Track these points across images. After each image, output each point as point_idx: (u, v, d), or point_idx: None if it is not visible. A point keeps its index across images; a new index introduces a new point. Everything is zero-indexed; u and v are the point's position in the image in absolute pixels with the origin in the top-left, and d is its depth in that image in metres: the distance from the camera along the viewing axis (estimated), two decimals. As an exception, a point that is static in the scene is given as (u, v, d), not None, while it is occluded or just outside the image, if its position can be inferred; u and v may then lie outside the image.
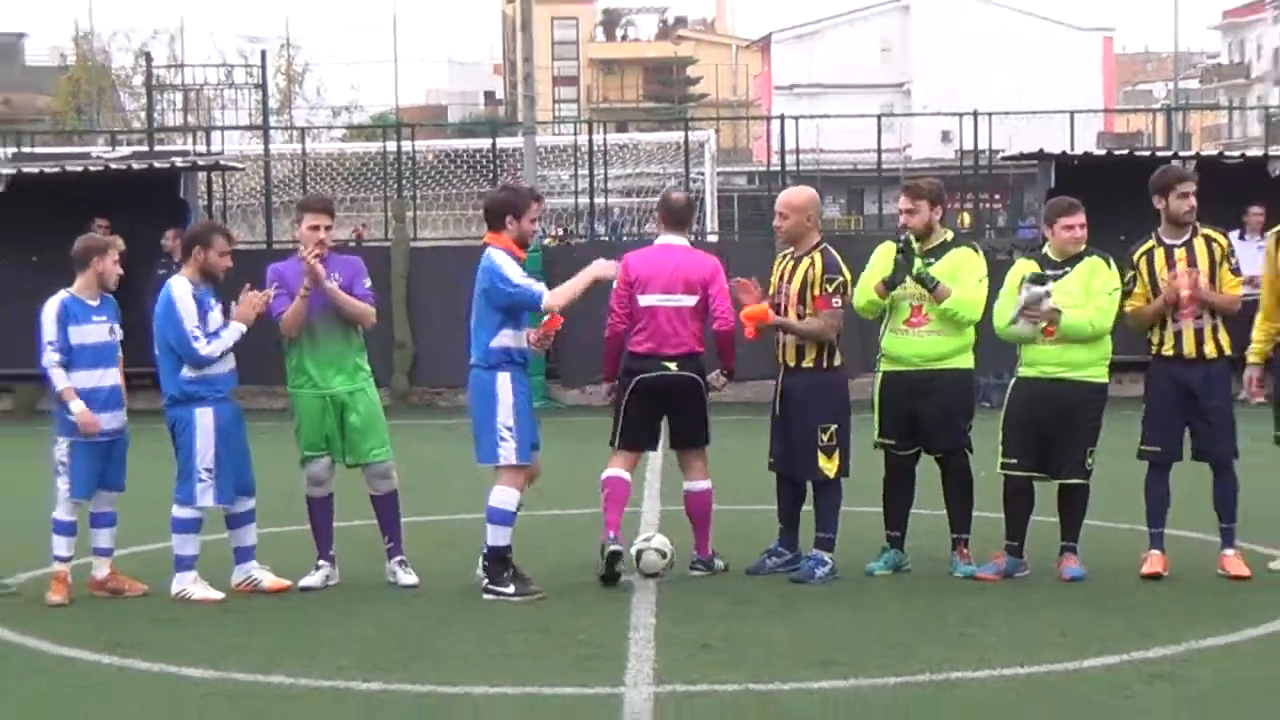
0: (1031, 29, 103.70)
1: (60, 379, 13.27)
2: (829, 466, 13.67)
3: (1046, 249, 13.85)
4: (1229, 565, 13.61)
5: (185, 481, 13.48)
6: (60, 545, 13.39)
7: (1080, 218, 13.72)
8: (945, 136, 70.42)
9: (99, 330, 13.47)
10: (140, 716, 10.08)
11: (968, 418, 13.95)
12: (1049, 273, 13.55)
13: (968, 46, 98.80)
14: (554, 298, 13.36)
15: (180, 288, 13.43)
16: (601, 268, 13.64)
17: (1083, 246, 13.68)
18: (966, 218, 27.41)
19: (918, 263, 13.64)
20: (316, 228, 13.87)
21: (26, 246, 27.24)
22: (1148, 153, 31.88)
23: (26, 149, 40.54)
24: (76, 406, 13.21)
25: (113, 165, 30.74)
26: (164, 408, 13.56)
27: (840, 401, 13.80)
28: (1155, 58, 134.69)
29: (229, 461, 13.52)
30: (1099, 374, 13.64)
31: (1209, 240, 13.64)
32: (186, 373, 13.36)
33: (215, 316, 13.41)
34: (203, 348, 13.29)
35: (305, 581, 13.65)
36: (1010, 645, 11.52)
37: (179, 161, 31.21)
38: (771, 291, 13.82)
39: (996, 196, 35.96)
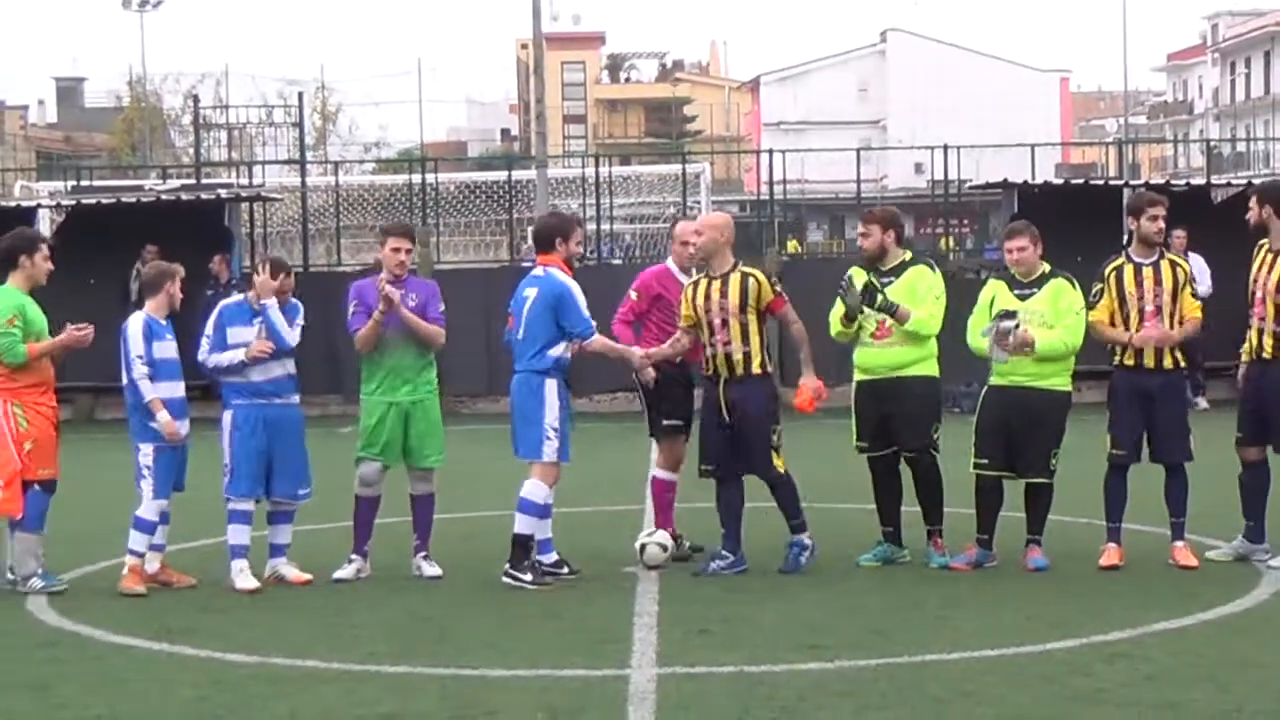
0: (996, 71, 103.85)
1: (148, 390, 13.28)
2: (779, 463, 13.58)
3: (1012, 269, 13.82)
4: (1179, 556, 13.56)
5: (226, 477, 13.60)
6: (139, 541, 13.31)
7: (1019, 241, 13.71)
8: (918, 168, 70.38)
9: (171, 347, 13.54)
10: (189, 698, 10.01)
11: (934, 420, 13.86)
12: (1016, 291, 13.52)
13: (938, 87, 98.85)
14: (598, 342, 13.56)
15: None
16: (637, 360, 13.89)
17: (1025, 266, 13.64)
18: (951, 241, 27.41)
19: (879, 297, 13.63)
20: (399, 249, 13.96)
21: (85, 270, 27.14)
22: (1101, 182, 31.86)
23: (85, 182, 40.51)
24: (163, 417, 13.24)
25: (163, 197, 30.77)
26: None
27: (777, 404, 13.72)
28: (1107, 96, 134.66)
29: (251, 459, 13.54)
30: (1063, 383, 13.62)
31: (1174, 264, 13.58)
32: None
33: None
34: (202, 355, 13.59)
35: (339, 574, 13.60)
36: (982, 629, 11.47)
37: (224, 193, 31.24)
38: (693, 313, 13.67)
39: (965, 222, 35.92)
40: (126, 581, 13.24)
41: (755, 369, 13.57)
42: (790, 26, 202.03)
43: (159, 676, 10.59)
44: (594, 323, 13.55)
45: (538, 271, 13.73)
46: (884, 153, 70.36)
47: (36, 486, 13.34)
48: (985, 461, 13.72)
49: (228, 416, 13.60)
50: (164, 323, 13.55)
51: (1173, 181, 31.86)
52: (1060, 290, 13.54)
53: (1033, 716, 9.24)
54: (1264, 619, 11.74)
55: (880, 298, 13.64)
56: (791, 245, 37.01)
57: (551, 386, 13.47)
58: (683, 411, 14.41)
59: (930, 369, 13.85)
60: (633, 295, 14.43)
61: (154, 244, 25.85)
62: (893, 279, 13.77)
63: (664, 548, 13.83)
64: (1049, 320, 13.41)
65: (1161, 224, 13.66)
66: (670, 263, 14.65)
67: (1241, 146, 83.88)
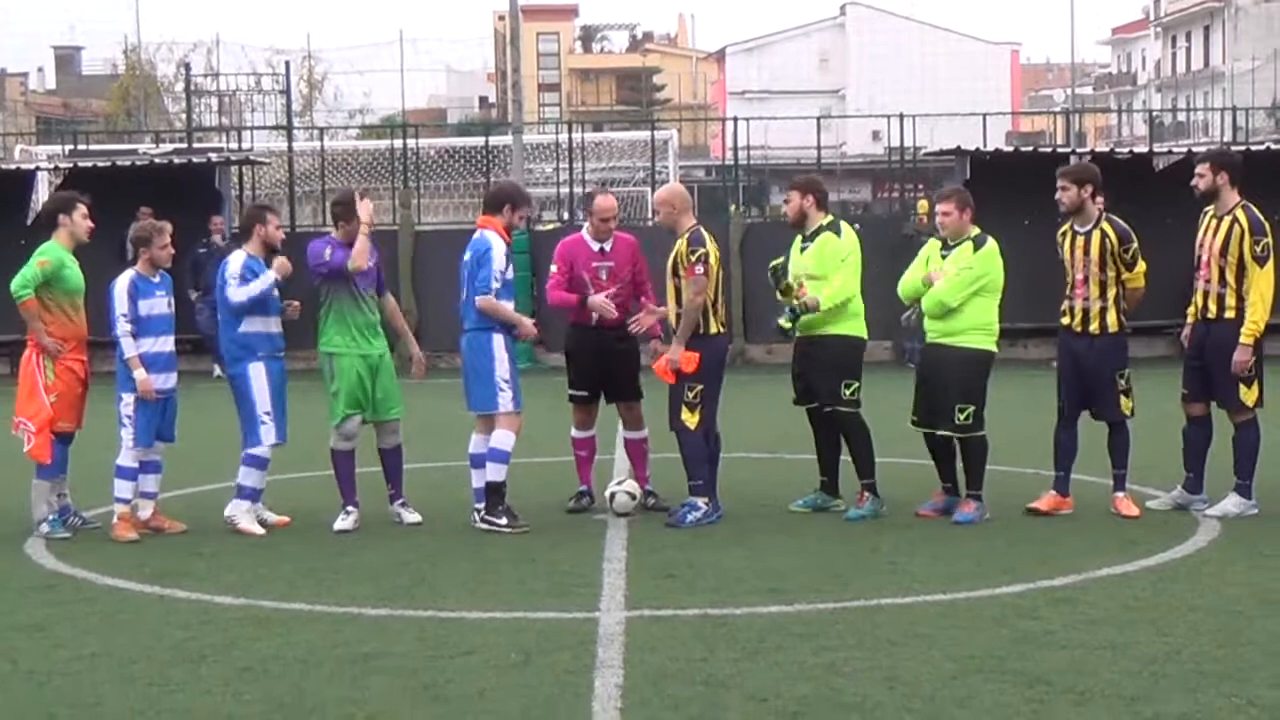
0: (949, 43, 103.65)
1: (130, 347, 13.21)
2: (690, 419, 13.41)
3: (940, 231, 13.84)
4: (1120, 506, 13.59)
5: (252, 425, 13.47)
6: (125, 489, 13.31)
7: (944, 206, 13.75)
8: (875, 135, 70.31)
9: (160, 304, 13.47)
10: (179, 638, 9.97)
11: (845, 377, 13.72)
12: (943, 251, 13.65)
13: (895, 58, 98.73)
14: (485, 302, 13.40)
15: (237, 261, 13.59)
16: (526, 329, 13.77)
17: (950, 229, 13.66)
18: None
19: (792, 300, 13.67)
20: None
21: (82, 230, 26.99)
22: (1049, 149, 31.84)
23: (82, 146, 40.33)
24: (140, 374, 13.19)
25: (157, 160, 30.68)
26: (225, 365, 13.64)
27: (706, 366, 13.43)
28: (1055, 68, 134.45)
29: (281, 408, 13.56)
30: (974, 341, 13.53)
31: (1104, 234, 13.49)
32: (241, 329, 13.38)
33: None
34: (233, 292, 13.41)
35: (341, 525, 13.50)
36: (933, 575, 11.47)
37: (214, 157, 31.16)
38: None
39: (920, 186, 35.81)
40: (119, 530, 13.20)
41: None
42: (754, 0, 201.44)
43: (150, 618, 10.55)
44: (495, 285, 13.40)
45: (476, 234, 13.68)
46: (843, 121, 70.41)
47: (55, 437, 13.32)
48: (914, 418, 13.87)
49: (258, 369, 13.45)
50: (156, 279, 13.46)
51: (1117, 149, 31.80)
52: (961, 253, 13.56)
53: (982, 657, 9.23)
54: (1201, 565, 11.75)
55: (796, 302, 13.64)
56: (734, 210, 36.87)
57: (499, 341, 13.46)
58: (583, 382, 14.27)
59: (845, 328, 13.73)
60: (553, 268, 14.30)
61: (147, 206, 25.74)
62: (810, 244, 13.78)
63: (632, 496, 13.82)
64: (951, 280, 13.49)
65: (1062, 195, 13.60)
66: (585, 231, 14.45)
67: (1182, 117, 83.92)
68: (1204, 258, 13.47)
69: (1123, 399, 13.60)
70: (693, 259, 13.32)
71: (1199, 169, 13.53)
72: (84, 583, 11.71)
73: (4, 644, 9.94)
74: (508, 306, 13.54)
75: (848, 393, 13.72)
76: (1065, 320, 13.67)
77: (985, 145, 31.64)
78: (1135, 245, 13.47)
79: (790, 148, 54.39)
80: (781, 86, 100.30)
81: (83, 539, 13.25)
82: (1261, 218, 13.38)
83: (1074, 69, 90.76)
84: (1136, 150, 31.56)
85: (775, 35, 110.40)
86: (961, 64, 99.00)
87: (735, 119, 35.98)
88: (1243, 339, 13.27)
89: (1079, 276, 13.53)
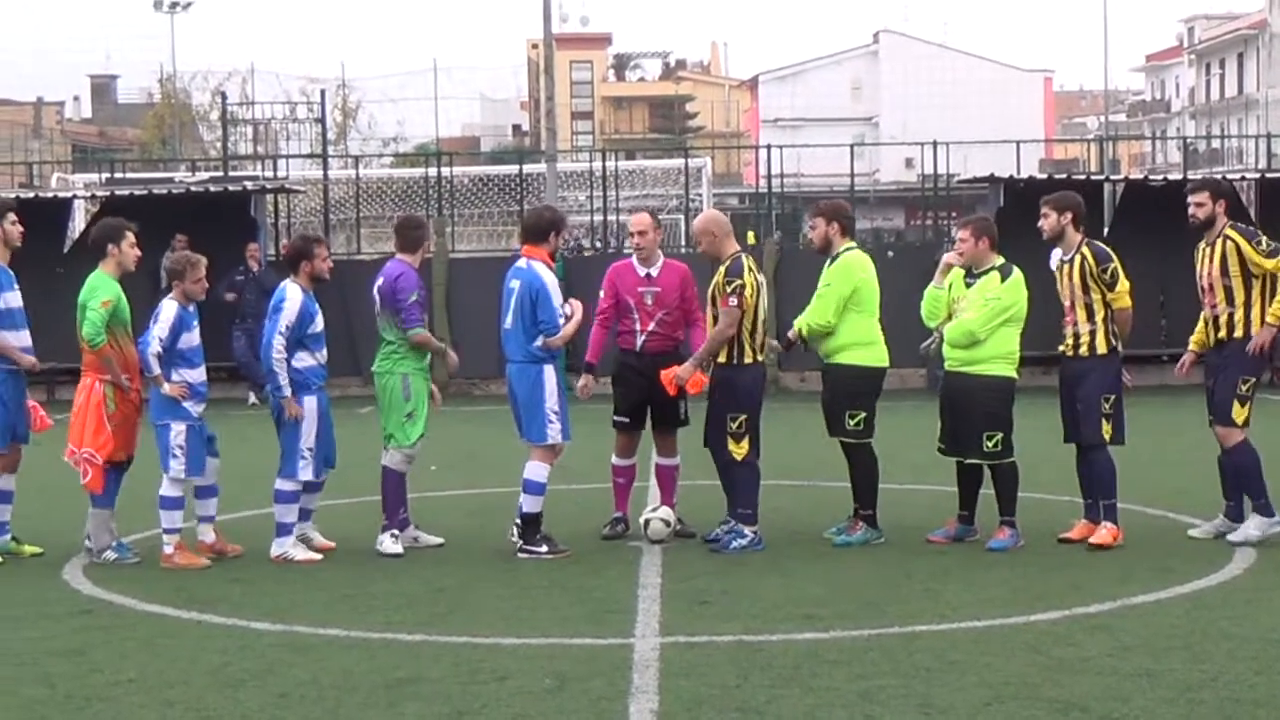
0: (983, 70, 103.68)
1: (155, 366, 13.14)
2: (738, 450, 13.44)
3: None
4: (1077, 533, 13.56)
5: (290, 458, 13.46)
6: (173, 519, 13.28)
7: (963, 233, 13.75)
8: (909, 163, 70.41)
9: (195, 335, 13.45)
10: (215, 663, 10.01)
11: (851, 406, 13.69)
12: (966, 280, 13.60)
13: (928, 86, 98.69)
14: (562, 338, 13.51)
15: (293, 298, 13.45)
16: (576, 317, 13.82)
17: (967, 258, 13.65)
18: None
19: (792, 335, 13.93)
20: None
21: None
22: (1083, 177, 31.80)
23: (118, 175, 40.53)
24: (166, 388, 13.12)
25: (192, 188, 30.78)
26: (270, 395, 13.59)
27: (747, 394, 13.52)
28: (1089, 95, 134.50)
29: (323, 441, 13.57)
30: (996, 369, 13.50)
31: (1083, 259, 13.45)
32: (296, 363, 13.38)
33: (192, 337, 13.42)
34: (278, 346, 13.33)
35: (394, 548, 13.50)
36: (968, 601, 11.46)
37: (249, 185, 31.27)
38: None
39: (953, 214, 35.80)
40: (180, 559, 13.18)
41: (721, 359, 13.51)
42: (787, 28, 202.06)
43: (188, 643, 10.59)
44: (562, 321, 13.46)
45: (521, 264, 13.67)
46: (876, 148, 70.44)
47: (109, 465, 13.38)
48: (941, 445, 13.84)
49: (310, 403, 13.42)
50: (191, 309, 13.47)
51: (1150, 177, 31.73)
52: (988, 282, 13.54)
53: (1017, 684, 9.23)
54: (1237, 592, 11.72)
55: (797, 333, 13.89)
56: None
57: (548, 372, 13.50)
58: (626, 407, 14.22)
59: (852, 357, 13.70)
60: (601, 294, 14.33)
61: (183, 234, 25.87)
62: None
63: (667, 523, 13.83)
64: (976, 308, 13.48)
65: (1043, 222, 13.66)
66: (634, 256, 14.43)
67: (1216, 144, 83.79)
68: (1207, 285, 13.53)
69: (1104, 423, 13.41)
70: (728, 289, 13.31)
71: (1197, 198, 13.59)
72: (121, 608, 11.75)
73: (42, 668, 9.98)
74: (571, 327, 13.65)
75: (851, 423, 13.67)
76: (1061, 347, 13.69)
77: (1018, 173, 31.59)
78: (1114, 265, 13.37)
79: (823, 175, 54.46)
80: (814, 114, 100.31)
81: (118, 565, 13.28)
82: (1250, 226, 13.60)
83: (1107, 96, 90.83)
84: (1170, 178, 31.48)
85: (808, 63, 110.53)
86: (995, 91, 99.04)
87: (769, 147, 36.06)
88: (1269, 319, 13.29)
89: (1067, 303, 13.57)
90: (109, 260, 13.49)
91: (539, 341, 13.46)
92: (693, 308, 14.18)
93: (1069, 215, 13.56)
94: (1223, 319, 13.50)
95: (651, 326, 14.01)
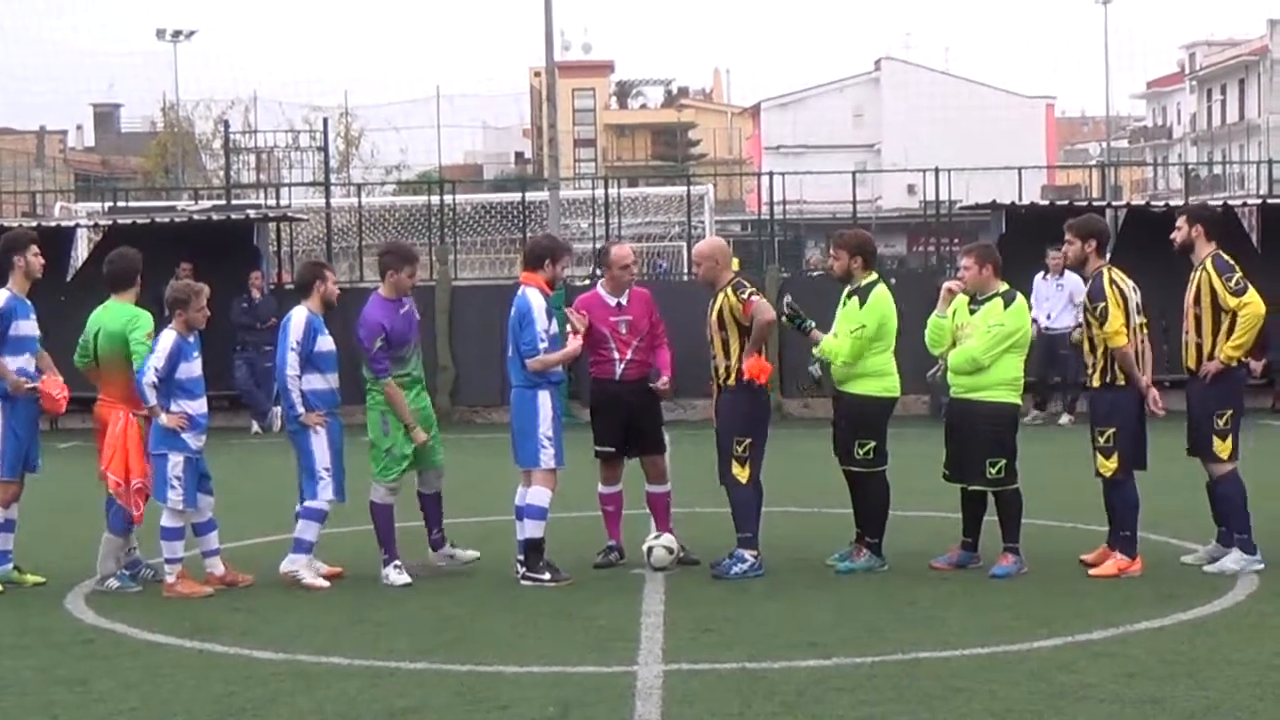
0: (984, 97, 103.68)
1: (151, 397, 13.12)
2: (741, 474, 13.45)
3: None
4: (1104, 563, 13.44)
5: (311, 480, 13.49)
6: (176, 549, 13.26)
7: (964, 261, 13.79)
8: (911, 189, 70.38)
9: (196, 365, 13.43)
10: (218, 693, 10.01)
11: (861, 435, 13.69)
12: (970, 307, 13.61)
13: (929, 112, 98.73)
14: (539, 363, 13.50)
15: (298, 316, 13.52)
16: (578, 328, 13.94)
17: (971, 284, 13.66)
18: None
19: (797, 320, 13.96)
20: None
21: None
22: (1085, 203, 31.82)
23: (121, 203, 40.58)
24: (164, 419, 13.11)
25: (195, 217, 30.80)
26: (286, 418, 13.64)
27: (752, 418, 13.57)
28: (1091, 121, 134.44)
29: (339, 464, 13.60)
30: (997, 395, 13.49)
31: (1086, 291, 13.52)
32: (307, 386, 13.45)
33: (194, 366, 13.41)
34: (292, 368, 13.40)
35: (404, 579, 13.48)
36: (971, 628, 11.46)
37: (252, 213, 31.31)
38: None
39: (956, 240, 35.86)
40: (183, 588, 13.18)
41: (730, 382, 13.53)
42: (789, 55, 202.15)
43: (190, 672, 10.59)
44: (542, 345, 13.49)
45: (519, 293, 13.77)
46: (879, 175, 70.29)
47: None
48: (947, 472, 13.85)
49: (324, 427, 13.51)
50: (191, 340, 13.45)
51: (1152, 203, 31.73)
52: (991, 309, 13.54)
53: (1020, 711, 9.23)
54: (1240, 619, 11.72)
55: (798, 320, 13.95)
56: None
57: (544, 398, 13.57)
58: (609, 437, 14.25)
59: (864, 387, 13.66)
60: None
61: (187, 262, 25.90)
62: (848, 302, 13.80)
63: (670, 550, 13.82)
64: (980, 335, 13.48)
65: (1067, 249, 13.68)
66: (600, 287, 14.49)
67: (1218, 169, 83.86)
68: (1185, 311, 13.55)
69: (1099, 456, 13.34)
70: (744, 296, 13.39)
71: (1177, 223, 13.61)
72: (124, 637, 11.76)
73: (45, 698, 9.98)
74: (556, 355, 13.63)
75: (861, 452, 13.67)
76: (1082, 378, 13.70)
77: (1020, 199, 31.64)
78: (1104, 305, 13.22)
79: (826, 202, 54.55)
80: (816, 141, 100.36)
81: (120, 594, 13.27)
82: (1228, 259, 13.47)
83: (1109, 122, 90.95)
84: (1172, 204, 31.48)
85: (810, 90, 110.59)
86: (996, 118, 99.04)
87: (771, 174, 36.08)
88: (1220, 355, 13.26)
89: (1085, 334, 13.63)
90: (137, 290, 13.69)
91: (529, 364, 13.53)
92: (659, 331, 14.31)
93: (1093, 242, 13.53)
94: (1190, 347, 13.50)
95: (629, 355, 14.10)
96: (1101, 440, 13.32)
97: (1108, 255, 13.73)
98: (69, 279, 28.76)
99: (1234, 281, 13.28)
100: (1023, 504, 13.59)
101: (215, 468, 13.88)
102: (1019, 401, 13.72)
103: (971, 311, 13.62)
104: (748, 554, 13.47)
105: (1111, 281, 13.34)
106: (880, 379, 13.74)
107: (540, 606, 12.49)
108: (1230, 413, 13.38)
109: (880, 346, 13.70)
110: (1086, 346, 13.49)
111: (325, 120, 41.84)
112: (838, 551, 14.00)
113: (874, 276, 13.93)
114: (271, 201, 37.99)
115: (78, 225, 32.18)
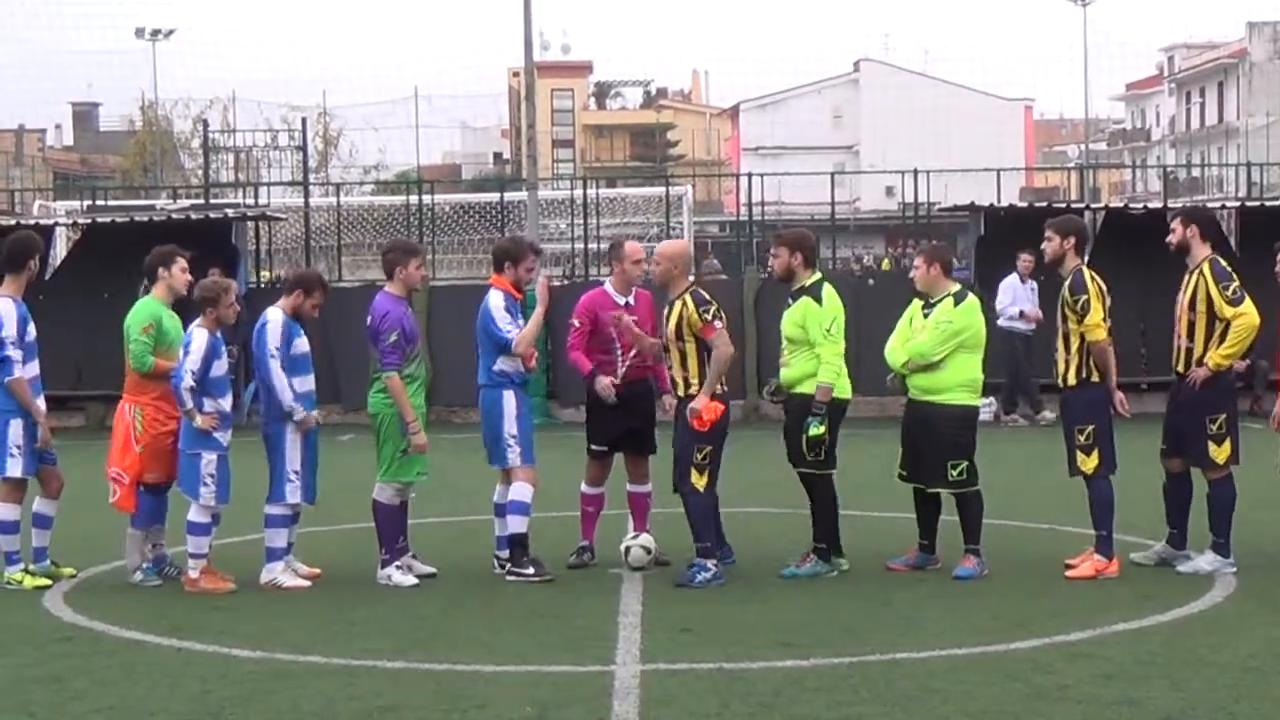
0: (963, 99, 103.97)
1: (188, 400, 13.04)
2: (699, 481, 13.25)
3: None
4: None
5: (279, 482, 13.44)
6: (201, 544, 13.25)
7: (918, 260, 13.86)
8: (889, 191, 70.55)
9: (224, 363, 13.41)
10: (195, 691, 10.00)
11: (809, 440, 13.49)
12: (924, 309, 13.63)
13: (908, 114, 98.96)
14: (520, 342, 13.45)
15: (274, 318, 13.37)
16: (542, 297, 13.83)
17: (923, 285, 13.69)
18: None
19: (779, 389, 13.68)
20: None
21: (99, 284, 27.09)
22: (1063, 205, 31.87)
23: (100, 202, 40.53)
24: (201, 419, 13.06)
25: (174, 215, 30.77)
26: (265, 424, 13.52)
27: (716, 425, 13.25)
28: (1069, 123, 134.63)
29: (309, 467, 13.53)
30: (954, 397, 13.49)
31: (1066, 286, 13.47)
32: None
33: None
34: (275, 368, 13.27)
35: (407, 580, 13.43)
36: (949, 629, 11.47)
37: (231, 213, 31.28)
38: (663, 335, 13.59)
39: (935, 242, 35.92)
40: (206, 583, 13.17)
41: (691, 392, 13.30)
42: (768, 57, 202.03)
43: (168, 670, 10.58)
44: (512, 332, 13.45)
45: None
46: (857, 176, 70.60)
47: (142, 488, 13.46)
48: (902, 472, 13.84)
49: (294, 427, 13.38)
50: (219, 336, 13.36)
51: (1131, 205, 31.78)
52: (943, 308, 13.55)
53: (997, 712, 9.25)
54: (1217, 620, 11.75)
55: (780, 391, 13.70)
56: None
57: (508, 397, 13.57)
58: (605, 436, 14.21)
59: (811, 388, 13.35)
60: (575, 323, 14.20)
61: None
62: (793, 303, 13.50)
63: (648, 550, 13.80)
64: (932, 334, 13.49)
65: (1045, 246, 13.62)
66: (608, 284, 14.42)
67: (1196, 172, 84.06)
68: (1178, 314, 13.53)
69: (1079, 454, 13.34)
70: (708, 317, 13.12)
71: (1172, 224, 13.60)
72: (102, 635, 11.74)
73: (22, 696, 9.96)
74: (529, 328, 13.56)
75: (811, 455, 13.53)
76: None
77: (999, 201, 31.67)
78: (1086, 297, 13.21)
79: (804, 203, 54.57)
80: (795, 142, 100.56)
81: (98, 591, 13.26)
82: (1227, 266, 13.43)
83: (1088, 125, 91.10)
84: (1150, 206, 31.55)
85: (789, 91, 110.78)
86: (975, 120, 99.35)
87: (749, 175, 36.14)
88: (1209, 363, 13.25)
89: (1059, 331, 13.60)
90: (159, 285, 13.67)
91: (497, 365, 13.54)
92: (657, 335, 14.15)
93: (1072, 240, 13.52)
94: (1181, 352, 13.50)
95: (632, 355, 14.01)
96: (1081, 438, 13.32)
97: (1085, 257, 13.73)
98: (48, 278, 28.70)
99: (1231, 291, 13.23)
100: (984, 505, 13.59)
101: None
102: (977, 403, 13.73)
103: (925, 315, 13.61)
104: (709, 563, 13.28)
105: (1092, 277, 13.38)
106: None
107: (518, 606, 12.49)
108: (1224, 417, 13.37)
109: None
110: (1061, 344, 13.46)
111: (304, 120, 41.92)
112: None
113: (819, 275, 13.69)
114: (250, 201, 37.96)
115: (56, 224, 32.16)
